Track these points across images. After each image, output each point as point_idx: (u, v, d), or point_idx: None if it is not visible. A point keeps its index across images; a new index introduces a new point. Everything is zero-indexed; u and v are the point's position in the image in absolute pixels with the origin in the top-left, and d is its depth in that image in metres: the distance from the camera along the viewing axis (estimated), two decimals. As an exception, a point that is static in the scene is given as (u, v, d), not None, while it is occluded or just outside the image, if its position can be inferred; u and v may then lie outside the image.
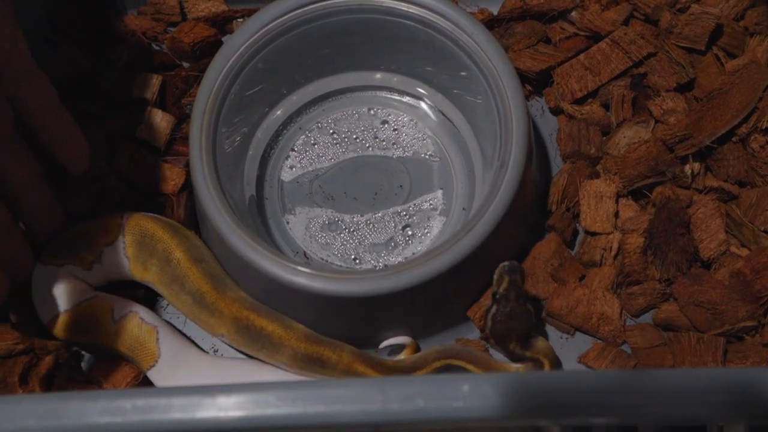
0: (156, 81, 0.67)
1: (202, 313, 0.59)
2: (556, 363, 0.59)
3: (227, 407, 0.41)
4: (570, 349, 0.60)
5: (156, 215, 0.61)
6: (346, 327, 0.58)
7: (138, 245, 0.59)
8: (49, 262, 0.59)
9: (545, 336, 0.61)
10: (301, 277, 0.54)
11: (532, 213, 0.62)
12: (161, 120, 0.65)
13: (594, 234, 0.62)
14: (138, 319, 0.58)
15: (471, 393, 0.41)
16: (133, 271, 0.60)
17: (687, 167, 0.62)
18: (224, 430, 0.41)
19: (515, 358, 0.58)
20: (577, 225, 0.63)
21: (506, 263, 0.55)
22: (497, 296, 0.55)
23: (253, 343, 0.58)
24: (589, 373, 0.49)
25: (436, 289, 0.56)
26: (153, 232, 0.59)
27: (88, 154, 0.59)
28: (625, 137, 0.64)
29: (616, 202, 0.62)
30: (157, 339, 0.58)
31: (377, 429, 0.47)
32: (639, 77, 0.65)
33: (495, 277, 0.55)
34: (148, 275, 0.60)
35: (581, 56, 0.66)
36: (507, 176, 0.56)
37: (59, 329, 0.58)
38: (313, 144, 0.67)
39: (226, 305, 0.58)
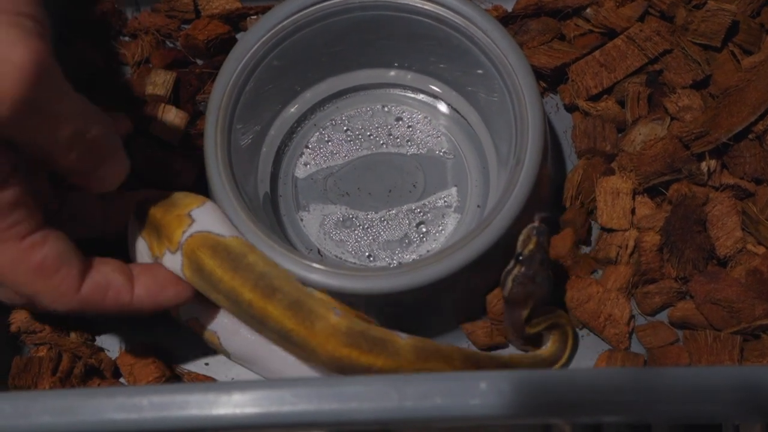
0: (170, 78, 0.67)
1: (293, 348, 0.53)
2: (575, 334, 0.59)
3: (243, 404, 0.41)
4: (585, 348, 0.60)
5: (219, 238, 0.53)
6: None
7: (195, 273, 0.53)
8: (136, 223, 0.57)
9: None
10: (316, 274, 0.54)
11: (547, 209, 0.62)
12: (175, 117, 0.65)
13: (610, 231, 0.61)
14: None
15: (488, 390, 0.41)
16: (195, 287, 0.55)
17: (703, 164, 0.61)
18: (240, 426, 0.41)
19: (524, 336, 0.57)
20: (592, 221, 0.63)
21: (536, 224, 0.53)
22: (521, 258, 0.53)
23: None
24: (606, 371, 0.49)
25: (451, 287, 0.55)
26: (211, 270, 0.53)
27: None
28: (640, 134, 0.63)
29: (633, 199, 0.62)
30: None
31: (392, 426, 0.47)
32: (654, 74, 0.65)
33: (521, 237, 0.54)
34: (216, 302, 0.54)
35: (596, 53, 0.66)
36: (523, 173, 0.56)
37: None
38: (327, 141, 0.67)
39: (319, 343, 0.51)
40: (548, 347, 0.58)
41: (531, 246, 0.53)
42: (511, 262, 0.54)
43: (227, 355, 0.57)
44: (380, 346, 0.52)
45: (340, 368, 0.52)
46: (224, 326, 0.56)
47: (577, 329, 0.60)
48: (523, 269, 0.53)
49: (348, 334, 0.52)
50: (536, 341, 0.58)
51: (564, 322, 0.58)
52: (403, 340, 0.53)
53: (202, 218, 0.54)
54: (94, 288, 0.50)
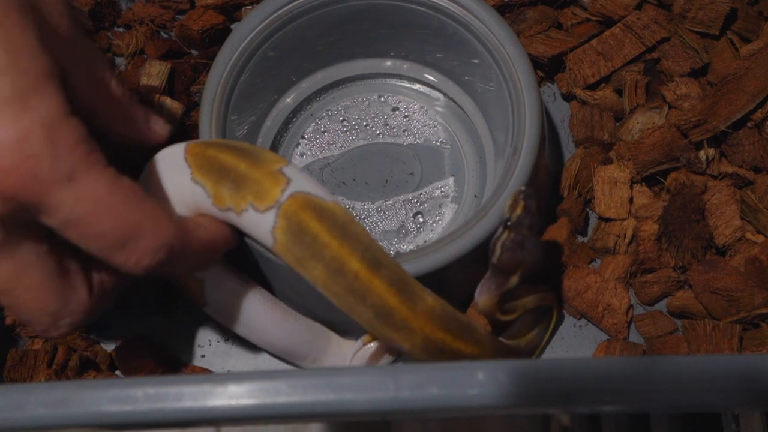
0: (165, 69, 0.66)
1: (385, 328, 0.50)
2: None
3: (239, 395, 0.40)
4: (584, 338, 0.60)
5: (323, 201, 0.49)
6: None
7: (293, 237, 0.48)
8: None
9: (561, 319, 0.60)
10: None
11: (545, 199, 0.62)
12: (170, 108, 0.65)
13: (608, 220, 0.61)
14: None
15: (486, 380, 0.40)
16: (277, 252, 0.50)
17: (701, 153, 0.61)
18: (236, 418, 0.41)
19: (503, 309, 0.55)
20: (589, 211, 0.63)
21: (523, 187, 0.52)
22: (509, 223, 0.52)
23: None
24: (605, 361, 0.49)
25: (449, 276, 0.55)
26: (316, 234, 0.48)
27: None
28: (638, 123, 0.63)
29: (630, 188, 0.61)
30: None
31: (389, 417, 0.47)
32: (652, 62, 0.65)
33: (508, 202, 0.52)
34: (305, 272, 0.49)
35: (594, 41, 0.66)
36: (520, 163, 0.55)
37: None
38: (323, 131, 0.67)
39: (419, 324, 0.49)
40: (527, 336, 0.58)
41: (518, 210, 0.51)
42: (499, 228, 0.52)
43: (203, 305, 0.55)
44: (468, 332, 0.52)
45: (432, 351, 0.51)
46: (213, 274, 0.54)
47: (575, 319, 0.60)
48: (512, 235, 0.51)
49: (442, 317, 0.50)
50: (510, 316, 0.57)
51: (549, 304, 0.57)
52: (480, 329, 0.53)
53: (297, 178, 0.49)
54: (179, 221, 0.47)
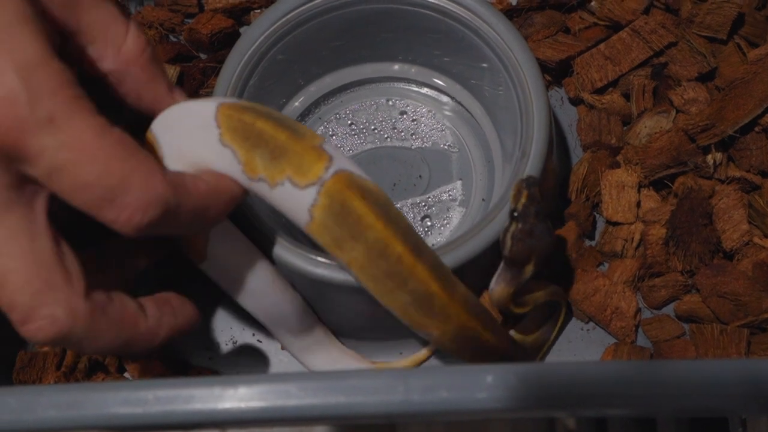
0: (174, 72, 0.66)
1: (420, 313, 0.49)
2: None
3: (249, 398, 0.40)
4: (591, 341, 0.60)
5: (365, 181, 0.47)
6: (367, 318, 0.58)
7: (334, 216, 0.46)
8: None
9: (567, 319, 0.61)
10: (321, 269, 0.54)
11: (552, 202, 0.62)
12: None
13: (616, 224, 0.61)
14: None
15: (494, 384, 0.40)
16: (310, 232, 0.48)
17: (709, 157, 0.61)
18: (246, 421, 0.41)
19: (516, 303, 0.55)
20: (597, 214, 0.63)
21: (524, 176, 0.52)
22: (516, 214, 0.51)
23: (470, 351, 0.53)
24: (613, 365, 0.49)
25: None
26: (361, 215, 0.46)
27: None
28: (646, 127, 0.63)
29: (638, 192, 0.61)
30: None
31: (398, 420, 0.47)
32: (660, 67, 0.65)
33: (512, 192, 0.52)
34: (341, 253, 0.48)
35: (601, 46, 0.66)
36: (528, 167, 0.55)
37: None
38: (332, 135, 0.67)
39: (456, 310, 0.49)
40: (534, 334, 0.58)
41: (523, 199, 0.51)
42: (507, 221, 0.52)
43: (201, 260, 0.52)
44: (494, 324, 0.52)
45: (462, 339, 0.51)
46: (220, 228, 0.52)
47: (583, 322, 0.60)
48: (519, 225, 0.51)
49: (475, 306, 0.51)
50: (523, 309, 0.57)
51: (558, 300, 0.57)
52: (498, 322, 0.53)
53: (338, 156, 0.47)
54: (175, 176, 0.43)
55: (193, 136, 0.47)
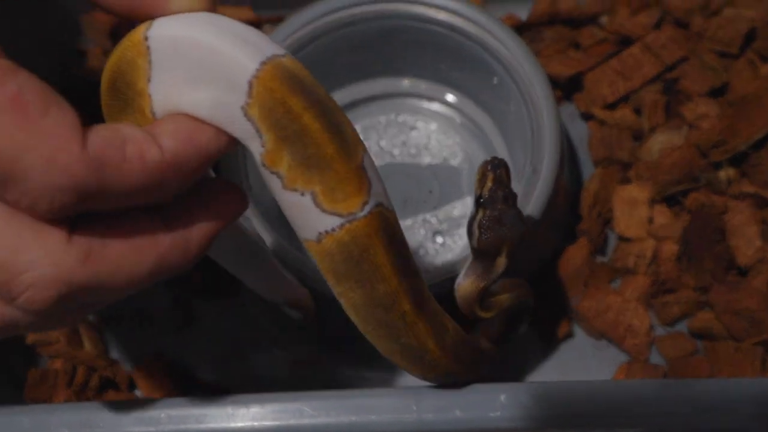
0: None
1: (404, 360, 0.44)
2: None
3: (262, 417, 0.40)
4: (603, 359, 0.60)
5: (394, 223, 0.40)
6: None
7: (346, 255, 0.39)
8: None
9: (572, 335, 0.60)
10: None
11: (564, 219, 0.62)
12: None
13: (627, 240, 0.61)
14: None
15: (508, 403, 0.40)
16: (309, 249, 0.40)
17: (721, 173, 0.61)
18: (258, 440, 0.41)
19: (483, 305, 0.49)
20: (608, 230, 0.63)
21: (488, 158, 0.47)
22: (482, 200, 0.46)
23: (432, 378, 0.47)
24: (626, 383, 0.49)
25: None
26: (379, 265, 0.39)
27: None
28: (657, 143, 0.63)
29: (650, 208, 0.61)
30: None
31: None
32: (671, 82, 0.65)
33: (477, 177, 0.47)
34: (334, 287, 0.41)
35: (612, 61, 0.66)
36: (540, 183, 0.55)
37: None
38: (342, 151, 0.67)
39: (445, 362, 0.45)
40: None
41: (489, 183, 0.46)
42: (473, 209, 0.47)
43: None
44: (475, 363, 0.48)
45: (441, 377, 0.46)
46: None
47: (595, 339, 0.60)
48: (487, 212, 0.46)
49: (462, 350, 0.46)
50: (488, 313, 0.51)
51: (525, 298, 0.51)
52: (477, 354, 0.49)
53: (375, 183, 0.38)
54: (104, 143, 0.32)
55: (204, 81, 0.35)
